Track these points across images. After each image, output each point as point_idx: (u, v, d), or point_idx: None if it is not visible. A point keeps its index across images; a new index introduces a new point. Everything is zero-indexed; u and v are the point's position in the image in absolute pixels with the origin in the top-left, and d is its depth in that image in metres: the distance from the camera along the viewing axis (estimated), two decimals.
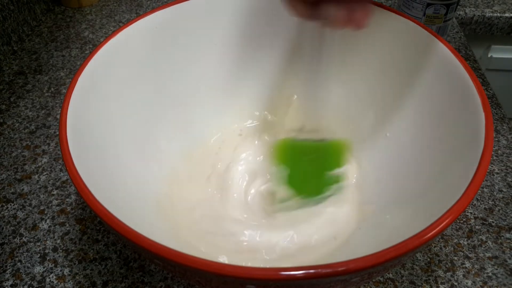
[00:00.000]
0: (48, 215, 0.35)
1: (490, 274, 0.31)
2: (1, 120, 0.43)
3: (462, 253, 0.32)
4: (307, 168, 0.35)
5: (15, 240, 0.33)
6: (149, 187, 0.31)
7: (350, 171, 0.34)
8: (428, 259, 0.32)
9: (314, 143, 0.35)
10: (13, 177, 0.38)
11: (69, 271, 0.31)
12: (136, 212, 0.26)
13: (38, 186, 0.37)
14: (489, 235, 0.33)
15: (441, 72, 0.29)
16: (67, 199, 0.36)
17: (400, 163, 0.31)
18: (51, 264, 0.32)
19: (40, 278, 0.31)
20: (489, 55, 0.67)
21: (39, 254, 0.32)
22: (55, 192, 0.37)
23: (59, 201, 0.36)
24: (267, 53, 0.38)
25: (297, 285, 0.18)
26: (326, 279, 0.18)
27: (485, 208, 0.35)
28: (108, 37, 0.30)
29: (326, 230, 0.31)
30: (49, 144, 0.41)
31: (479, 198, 0.36)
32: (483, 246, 0.33)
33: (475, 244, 0.33)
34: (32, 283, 0.31)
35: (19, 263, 0.32)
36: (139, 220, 0.25)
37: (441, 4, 0.44)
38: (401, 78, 0.33)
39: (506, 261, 0.32)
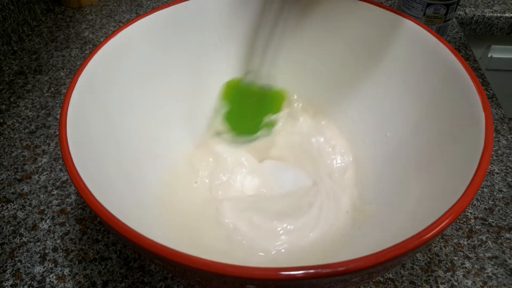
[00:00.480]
0: (48, 215, 0.35)
1: (490, 274, 0.31)
2: (1, 120, 0.43)
3: (462, 253, 0.32)
4: (246, 109, 0.38)
5: (15, 240, 0.33)
6: (149, 187, 0.31)
7: (349, 168, 0.35)
8: (428, 259, 0.32)
9: (259, 88, 0.38)
10: (13, 177, 0.38)
11: (69, 271, 0.31)
12: (136, 212, 0.26)
13: (38, 186, 0.37)
14: (489, 235, 0.33)
15: (441, 72, 0.29)
16: (67, 199, 0.36)
17: (400, 163, 0.31)
18: (51, 264, 0.32)
19: (40, 278, 0.31)
20: (489, 55, 0.67)
21: (39, 254, 0.32)
22: (55, 192, 0.37)
23: (59, 201, 0.36)
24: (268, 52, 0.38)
25: (297, 285, 0.18)
26: (326, 279, 0.18)
27: (485, 208, 0.35)
28: (108, 37, 0.30)
29: (326, 230, 0.31)
30: (49, 144, 0.41)
31: (479, 198, 0.36)
32: (483, 246, 0.33)
33: (475, 244, 0.33)
34: (32, 283, 0.31)
35: (19, 263, 0.32)
36: (139, 220, 0.25)
37: (441, 4, 0.44)
38: (401, 78, 0.33)
39: (506, 261, 0.32)
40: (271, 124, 0.37)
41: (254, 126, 0.37)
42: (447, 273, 0.31)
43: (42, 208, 0.35)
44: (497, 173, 0.38)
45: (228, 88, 0.38)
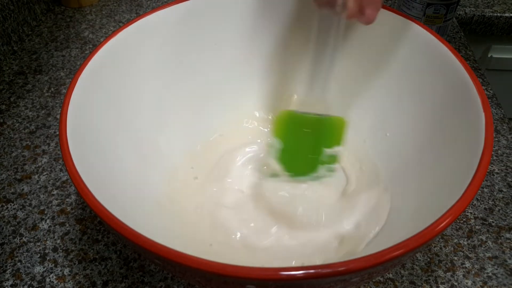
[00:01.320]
0: (48, 215, 0.35)
1: (490, 274, 0.31)
2: (1, 120, 0.43)
3: (462, 253, 0.32)
4: (302, 143, 0.34)
5: (15, 240, 0.33)
6: (149, 186, 0.31)
7: (349, 168, 0.35)
8: (428, 259, 0.32)
9: (314, 117, 0.33)
10: (13, 177, 0.38)
11: (69, 271, 0.31)
12: (136, 212, 0.26)
13: (38, 186, 0.37)
14: (489, 235, 0.33)
15: (441, 72, 0.29)
16: (67, 199, 0.36)
17: (400, 163, 0.31)
18: (51, 264, 0.32)
19: (40, 278, 0.31)
20: (489, 55, 0.67)
21: (39, 254, 0.32)
22: (55, 192, 0.37)
23: (59, 201, 0.36)
24: (267, 53, 0.38)
25: (297, 285, 0.18)
26: (326, 279, 0.18)
27: (485, 208, 0.35)
28: (108, 37, 0.30)
29: (325, 230, 0.31)
30: (49, 144, 0.41)
31: (479, 198, 0.36)
32: (483, 246, 0.33)
33: (475, 244, 0.33)
34: (32, 283, 0.31)
35: (19, 263, 0.32)
36: (139, 220, 0.25)
37: (441, 4, 0.44)
38: (400, 79, 0.33)
39: (506, 261, 0.32)
40: (332, 160, 0.33)
41: (311, 164, 0.33)
42: (447, 273, 0.31)
43: (42, 208, 0.35)
44: (497, 173, 0.38)
45: (279, 122, 0.34)
